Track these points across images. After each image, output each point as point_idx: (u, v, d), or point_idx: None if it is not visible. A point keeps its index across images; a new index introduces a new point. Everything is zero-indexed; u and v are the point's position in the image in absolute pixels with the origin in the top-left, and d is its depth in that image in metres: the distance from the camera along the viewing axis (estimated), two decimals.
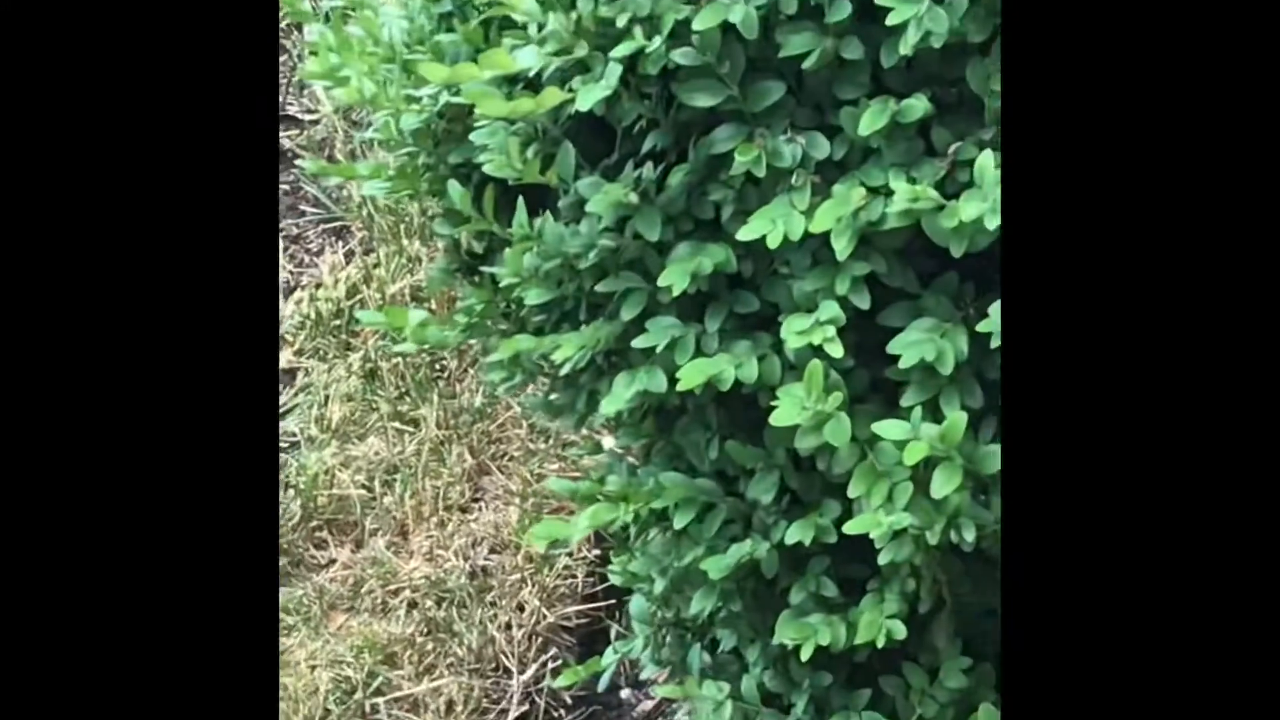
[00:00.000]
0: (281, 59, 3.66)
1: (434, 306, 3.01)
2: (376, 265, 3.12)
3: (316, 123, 3.50)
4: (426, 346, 1.95)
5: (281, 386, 3.00)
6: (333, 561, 2.71)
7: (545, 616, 2.61)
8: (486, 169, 1.73)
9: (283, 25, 3.70)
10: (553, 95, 1.63)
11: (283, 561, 2.70)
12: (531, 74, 1.67)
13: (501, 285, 1.82)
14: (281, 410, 2.95)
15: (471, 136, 1.76)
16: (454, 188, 1.81)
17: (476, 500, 2.78)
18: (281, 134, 3.49)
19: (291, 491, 2.79)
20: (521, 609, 2.62)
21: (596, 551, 2.65)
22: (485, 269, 1.87)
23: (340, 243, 3.24)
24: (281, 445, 2.89)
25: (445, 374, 2.94)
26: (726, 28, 1.62)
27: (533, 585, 2.64)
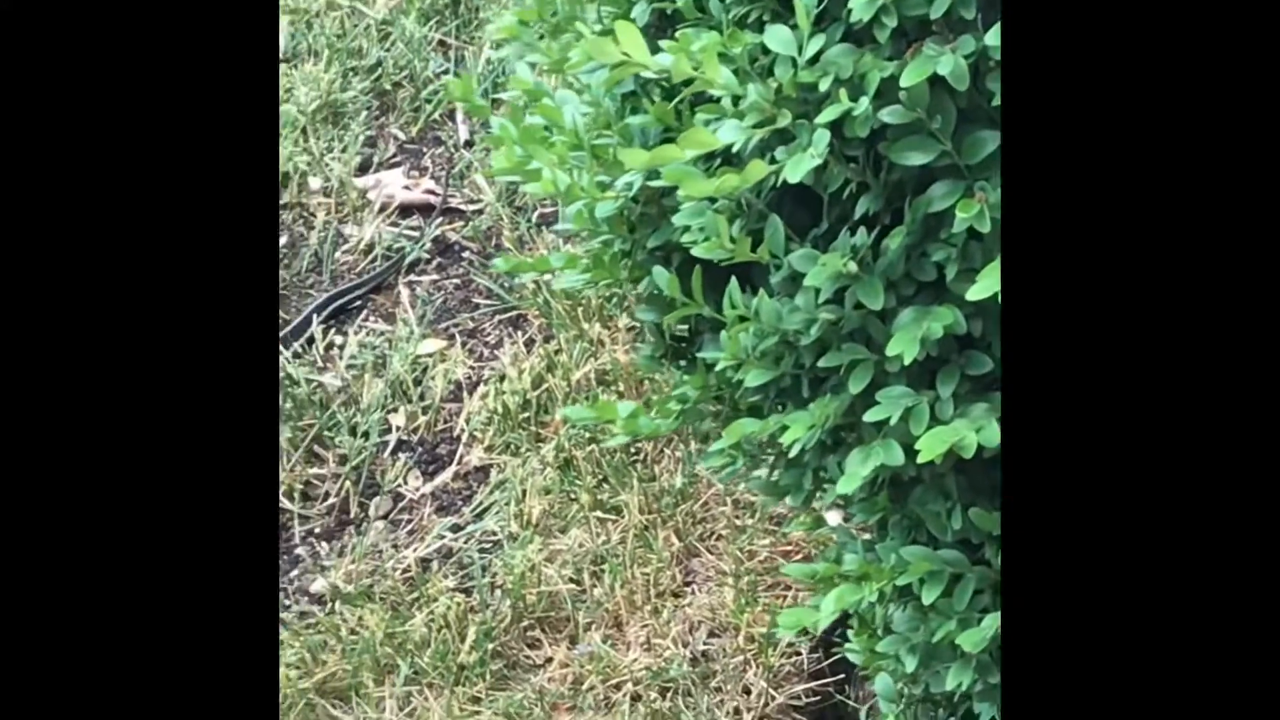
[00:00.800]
0: (437, 150, 3.63)
1: (623, 389, 2.96)
2: (558, 352, 3.07)
3: (480, 212, 3.46)
4: (639, 438, 1.89)
5: (476, 485, 2.95)
6: (549, 660, 2.64)
7: (774, 698, 2.53)
8: (696, 251, 1.66)
9: (435, 115, 3.68)
10: (758, 169, 1.56)
11: (498, 664, 2.64)
12: (733, 149, 1.60)
13: (715, 368, 1.76)
14: (478, 509, 2.90)
15: (675, 218, 1.69)
16: (660, 273, 1.75)
17: (688, 584, 2.71)
18: (446, 227, 3.45)
19: (499, 592, 2.73)
20: (748, 692, 2.54)
21: None
22: (698, 354, 1.81)
23: (519, 332, 3.18)
24: (483, 545, 2.83)
25: (642, 456, 2.87)
26: (935, 80, 1.55)
27: (757, 666, 2.56)
